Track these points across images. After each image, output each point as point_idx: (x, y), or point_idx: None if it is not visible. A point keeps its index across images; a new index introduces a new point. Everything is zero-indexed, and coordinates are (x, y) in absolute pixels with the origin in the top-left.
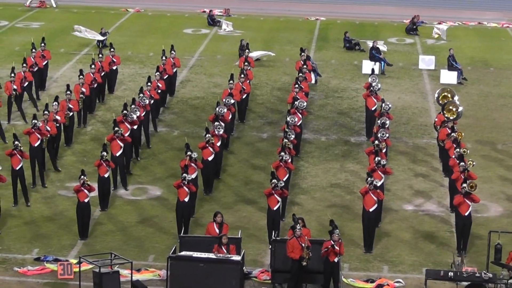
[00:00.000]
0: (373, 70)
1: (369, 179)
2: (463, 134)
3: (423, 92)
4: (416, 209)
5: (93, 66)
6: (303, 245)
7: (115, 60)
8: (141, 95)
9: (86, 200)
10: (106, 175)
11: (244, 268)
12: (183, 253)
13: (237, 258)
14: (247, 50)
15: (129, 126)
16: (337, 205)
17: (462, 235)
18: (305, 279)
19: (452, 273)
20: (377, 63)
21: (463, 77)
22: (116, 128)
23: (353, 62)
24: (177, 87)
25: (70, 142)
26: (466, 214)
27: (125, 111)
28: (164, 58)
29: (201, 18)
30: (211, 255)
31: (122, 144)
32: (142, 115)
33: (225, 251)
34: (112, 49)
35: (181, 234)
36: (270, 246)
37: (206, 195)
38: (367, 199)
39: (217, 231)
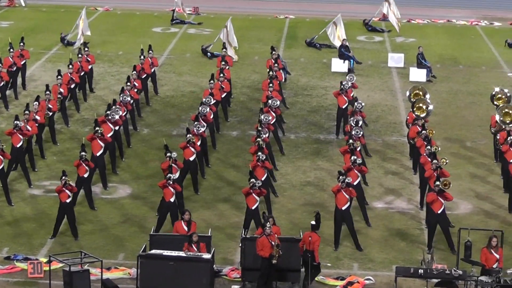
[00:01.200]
0: (349, 70)
1: (341, 177)
2: (433, 131)
3: (392, 90)
4: (386, 207)
5: (70, 66)
6: (273, 243)
7: (89, 59)
8: (122, 94)
9: (67, 201)
10: (85, 175)
11: (214, 266)
12: (153, 251)
13: (207, 256)
14: (224, 50)
15: (112, 126)
16: (309, 203)
17: (442, 234)
18: (275, 277)
19: (422, 270)
20: (346, 61)
21: (432, 75)
22: (97, 128)
23: (322, 60)
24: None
25: (55, 142)
26: (439, 211)
27: (107, 112)
28: (142, 57)
29: (170, 16)
30: (181, 253)
31: (102, 144)
32: (124, 114)
33: (195, 249)
34: (86, 49)
35: (152, 233)
36: (240, 244)
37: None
38: (340, 197)
39: (186, 229)
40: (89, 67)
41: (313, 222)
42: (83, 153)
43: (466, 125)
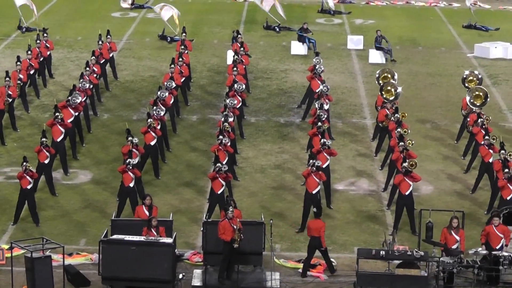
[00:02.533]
0: (317, 53)
1: (311, 161)
2: (405, 114)
3: (352, 72)
4: (347, 189)
5: (29, 52)
6: (234, 227)
7: (48, 45)
8: (82, 80)
9: (29, 187)
10: (46, 161)
11: (176, 250)
12: (114, 236)
13: (168, 240)
14: (183, 34)
15: (72, 112)
16: (270, 186)
17: (406, 215)
18: (237, 261)
19: (383, 252)
20: (305, 44)
21: (392, 59)
22: (57, 114)
23: (282, 43)
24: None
25: (15, 128)
26: (407, 193)
27: (69, 97)
28: (100, 42)
29: (130, 1)
30: (143, 238)
31: (63, 130)
32: (83, 100)
33: (154, 233)
34: (45, 34)
35: (113, 218)
36: (202, 228)
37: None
38: (310, 181)
39: (147, 213)
40: (48, 53)
41: (315, 210)
42: (44, 139)
43: (426, 106)
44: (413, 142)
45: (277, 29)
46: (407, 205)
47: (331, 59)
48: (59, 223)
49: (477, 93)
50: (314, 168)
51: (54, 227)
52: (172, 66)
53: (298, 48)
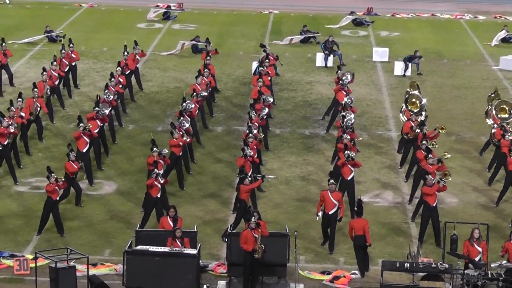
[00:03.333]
0: (338, 67)
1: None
2: (444, 126)
3: (377, 84)
4: (372, 201)
5: (54, 62)
6: (256, 236)
7: (74, 56)
8: (106, 91)
9: (57, 198)
10: (73, 175)
11: (200, 261)
12: (139, 247)
13: (193, 251)
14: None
15: (99, 123)
16: (295, 198)
17: (430, 228)
18: (262, 272)
19: (408, 264)
20: (330, 57)
21: (418, 72)
22: (82, 124)
23: (307, 55)
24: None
25: (41, 138)
26: (434, 205)
27: (96, 108)
28: (125, 53)
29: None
30: (167, 249)
31: (88, 140)
32: (109, 110)
33: (179, 244)
34: (71, 45)
35: (137, 229)
36: (226, 239)
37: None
38: (327, 201)
39: (171, 224)
40: (73, 63)
41: (356, 208)
42: (71, 153)
43: (451, 118)
44: (448, 155)
45: (302, 32)
46: (433, 217)
47: (357, 71)
48: (83, 233)
49: (502, 106)
50: (334, 187)
51: (79, 238)
52: (199, 77)
53: (323, 60)
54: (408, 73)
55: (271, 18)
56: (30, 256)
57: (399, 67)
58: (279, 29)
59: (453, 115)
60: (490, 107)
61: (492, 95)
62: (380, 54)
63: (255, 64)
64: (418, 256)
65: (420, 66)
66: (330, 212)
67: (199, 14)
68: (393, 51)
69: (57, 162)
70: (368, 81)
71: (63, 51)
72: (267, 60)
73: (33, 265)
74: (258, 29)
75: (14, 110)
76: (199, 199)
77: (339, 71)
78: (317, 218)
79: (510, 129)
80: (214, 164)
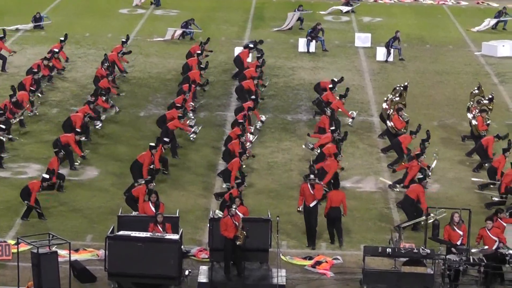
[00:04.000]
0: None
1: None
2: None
3: (359, 70)
4: (353, 186)
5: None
6: (236, 223)
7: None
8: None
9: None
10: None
11: (182, 246)
12: (121, 232)
13: (175, 236)
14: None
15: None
16: (276, 184)
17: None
18: (244, 257)
19: (390, 250)
20: (313, 42)
21: (400, 57)
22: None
23: (289, 41)
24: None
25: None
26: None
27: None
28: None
29: None
30: (149, 235)
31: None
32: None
33: (161, 229)
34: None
35: (119, 214)
36: (208, 225)
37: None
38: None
39: (153, 210)
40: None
41: (333, 181)
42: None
43: (434, 104)
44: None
45: (296, 10)
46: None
47: (339, 56)
48: (66, 219)
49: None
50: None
51: (61, 223)
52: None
53: (305, 45)
54: (391, 58)
55: (254, 4)
56: (12, 242)
57: (381, 53)
58: (262, 14)
59: (435, 101)
60: (472, 103)
61: (476, 91)
62: (362, 39)
63: (237, 50)
64: (400, 242)
65: (402, 51)
66: (311, 205)
67: None
68: (375, 37)
69: (44, 148)
70: (351, 67)
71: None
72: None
73: (15, 250)
74: (240, 15)
75: None
76: (181, 185)
77: None
78: (298, 210)
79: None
80: (197, 150)
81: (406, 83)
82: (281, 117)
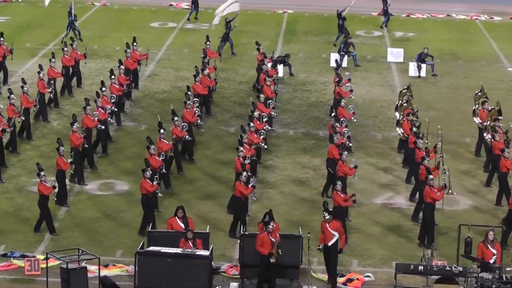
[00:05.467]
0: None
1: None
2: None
3: (391, 85)
4: (385, 203)
5: (53, 60)
6: (273, 240)
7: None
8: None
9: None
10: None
11: (212, 263)
12: (151, 248)
13: (205, 253)
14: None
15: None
16: (306, 199)
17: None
18: (275, 274)
19: (422, 267)
20: (345, 57)
21: (433, 73)
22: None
23: (322, 55)
24: (144, 81)
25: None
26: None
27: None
28: (128, 51)
29: (167, 11)
30: (179, 250)
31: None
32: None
33: (191, 245)
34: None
35: (149, 229)
36: (239, 241)
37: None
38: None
39: (182, 225)
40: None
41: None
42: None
43: (466, 120)
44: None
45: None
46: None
47: (371, 71)
48: (95, 234)
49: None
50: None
51: (90, 238)
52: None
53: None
54: (423, 73)
55: (285, 18)
56: (41, 257)
57: (413, 68)
58: (294, 29)
59: (468, 116)
60: (477, 106)
61: (479, 94)
62: (394, 54)
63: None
64: (432, 259)
65: (435, 67)
66: (330, 243)
67: (212, 13)
68: (408, 52)
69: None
70: (383, 82)
71: (65, 49)
72: (266, 59)
73: (44, 265)
74: (272, 29)
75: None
76: (212, 198)
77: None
78: (318, 249)
79: (501, 130)
80: (229, 163)
81: (408, 84)
82: (313, 133)
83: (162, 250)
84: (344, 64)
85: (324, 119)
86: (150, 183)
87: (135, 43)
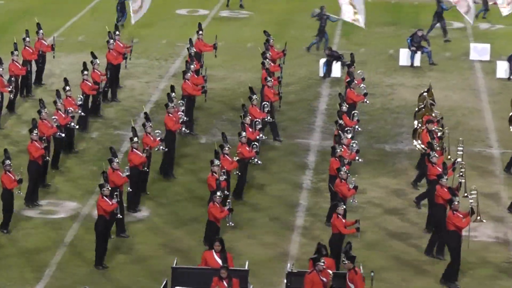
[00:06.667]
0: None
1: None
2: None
3: (475, 89)
4: (472, 235)
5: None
6: (324, 280)
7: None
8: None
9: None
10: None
11: None
12: None
13: None
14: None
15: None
16: (380, 229)
17: None
18: None
19: None
20: (417, 53)
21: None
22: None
23: (388, 51)
24: (168, 80)
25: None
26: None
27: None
28: (112, 41)
29: None
30: None
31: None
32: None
33: (226, 285)
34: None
35: (174, 265)
36: (286, 280)
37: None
38: None
39: (219, 261)
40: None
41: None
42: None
43: None
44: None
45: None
46: None
47: (450, 72)
48: (107, 270)
49: None
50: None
51: (102, 275)
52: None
53: (408, 57)
54: (417, 63)
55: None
56: None
57: (502, 68)
58: None
59: None
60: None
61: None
62: (479, 51)
63: (322, 62)
64: None
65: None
66: None
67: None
68: (495, 48)
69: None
70: (464, 85)
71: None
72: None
73: None
74: None
75: None
76: (253, 229)
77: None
78: None
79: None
80: (273, 186)
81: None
82: (377, 146)
83: None
84: (417, 62)
85: (392, 130)
86: (108, 201)
87: (117, 32)
